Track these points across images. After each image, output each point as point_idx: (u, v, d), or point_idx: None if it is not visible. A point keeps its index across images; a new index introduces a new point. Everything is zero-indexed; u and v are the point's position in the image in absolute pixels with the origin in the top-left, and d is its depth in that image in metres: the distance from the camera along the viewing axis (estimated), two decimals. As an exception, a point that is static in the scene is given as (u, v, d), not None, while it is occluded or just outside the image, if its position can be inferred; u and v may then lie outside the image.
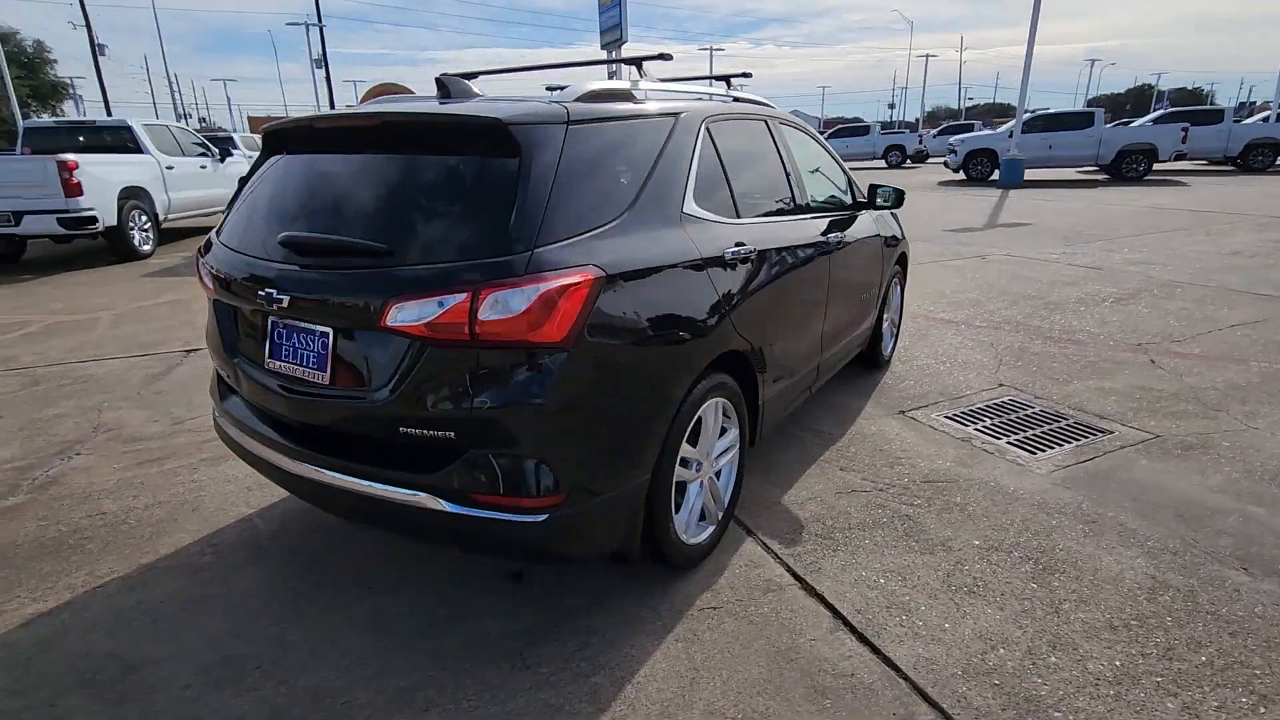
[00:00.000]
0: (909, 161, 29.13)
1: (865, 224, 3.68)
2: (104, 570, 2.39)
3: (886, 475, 3.03)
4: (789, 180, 2.96)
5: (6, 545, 2.55)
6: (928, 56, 65.74)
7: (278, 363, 1.97)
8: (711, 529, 2.41)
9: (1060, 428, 3.51)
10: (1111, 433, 3.42)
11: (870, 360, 4.31)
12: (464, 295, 1.60)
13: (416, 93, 2.02)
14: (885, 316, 4.28)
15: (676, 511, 2.20)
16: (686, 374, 2.03)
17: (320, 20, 38.44)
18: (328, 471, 1.88)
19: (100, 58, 37.66)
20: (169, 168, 9.90)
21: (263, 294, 1.86)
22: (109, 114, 35.51)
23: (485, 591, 2.24)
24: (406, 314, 1.64)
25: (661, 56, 2.46)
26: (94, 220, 8.32)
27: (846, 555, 2.43)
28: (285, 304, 1.83)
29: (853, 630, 2.05)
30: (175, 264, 8.83)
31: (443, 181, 1.79)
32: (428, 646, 2.00)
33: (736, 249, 2.32)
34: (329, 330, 1.83)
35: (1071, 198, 14.30)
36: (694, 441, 2.24)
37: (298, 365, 1.92)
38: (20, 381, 4.37)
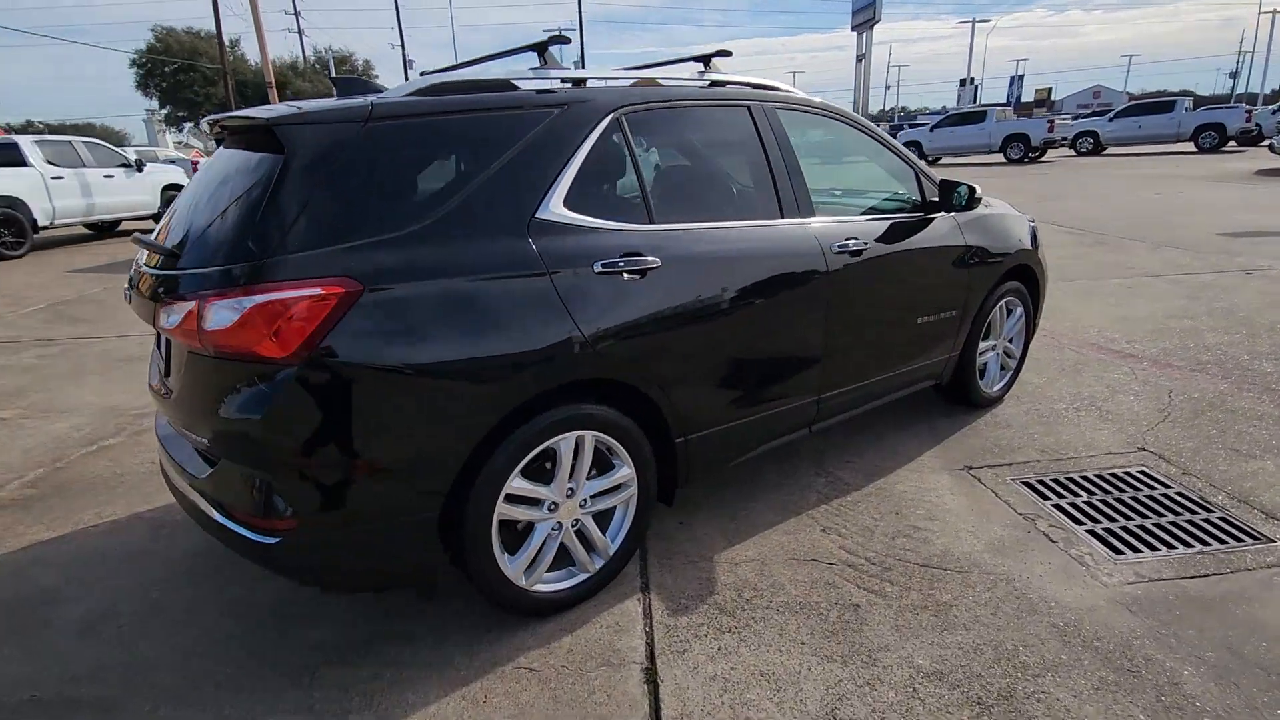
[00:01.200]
0: (1232, 144, 23.20)
1: (935, 231, 2.96)
2: (108, 512, 2.82)
3: (876, 548, 2.41)
4: (774, 178, 2.45)
5: (76, 478, 3.14)
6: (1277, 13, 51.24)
7: (159, 351, 2.14)
8: (582, 578, 2.11)
9: (1190, 522, 2.51)
10: (1271, 542, 2.36)
11: (959, 397, 3.49)
12: (193, 303, 1.56)
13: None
14: (988, 346, 3.43)
15: (513, 553, 1.96)
16: (501, 401, 1.78)
17: (581, 24, 41.62)
18: (165, 459, 2.00)
19: (409, 71, 45.04)
20: (55, 178, 10.55)
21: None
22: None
23: (352, 597, 2.22)
24: (168, 318, 1.65)
25: (556, 39, 2.15)
26: None
27: (732, 640, 1.98)
28: (130, 299, 1.96)
29: (657, 740, 1.66)
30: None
31: (229, 184, 1.76)
32: (252, 642, 2.04)
33: (618, 260, 1.97)
34: None
35: None
36: (548, 477, 1.98)
37: (161, 355, 2.06)
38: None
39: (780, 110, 2.57)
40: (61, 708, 1.82)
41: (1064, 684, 1.78)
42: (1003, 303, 3.42)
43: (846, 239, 2.59)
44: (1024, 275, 3.51)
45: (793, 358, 2.50)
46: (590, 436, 2.01)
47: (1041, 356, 4.24)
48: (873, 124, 2.98)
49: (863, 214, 2.85)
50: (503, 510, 1.88)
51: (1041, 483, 2.83)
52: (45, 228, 10.56)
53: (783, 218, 2.46)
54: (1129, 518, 2.56)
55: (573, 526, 2.07)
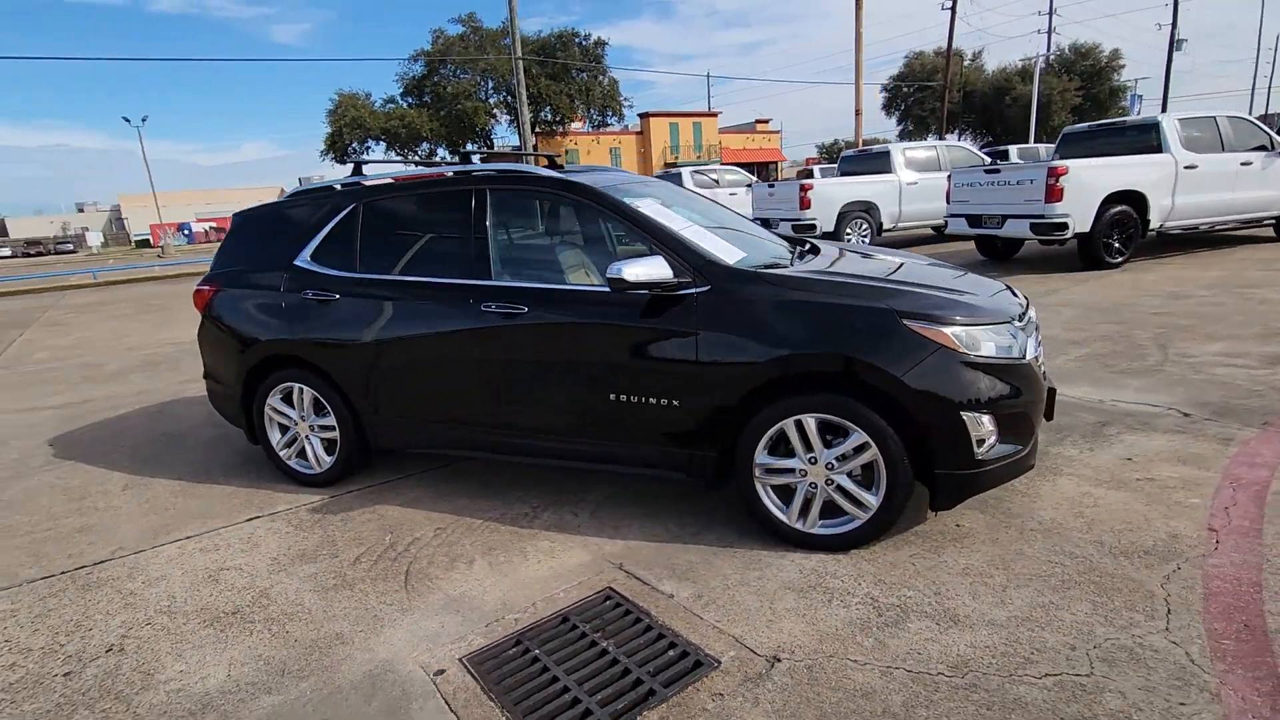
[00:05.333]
0: None
1: (624, 308, 2.80)
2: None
3: (404, 554, 2.97)
4: (461, 244, 3.13)
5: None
6: None
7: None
8: (310, 472, 3.64)
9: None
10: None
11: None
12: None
13: None
14: (785, 465, 2.68)
15: (280, 436, 3.68)
16: (252, 355, 3.54)
17: None
18: None
19: (1175, 52, 37.99)
20: (1189, 167, 8.59)
21: None
22: (1164, 110, 35.82)
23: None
24: None
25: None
26: (1063, 227, 8.23)
27: (290, 528, 3.20)
28: None
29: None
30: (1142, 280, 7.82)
31: None
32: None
33: (312, 291, 3.36)
34: None
35: None
36: (294, 406, 3.61)
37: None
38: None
39: (492, 191, 3.14)
40: (133, 453, 4.60)
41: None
42: (810, 420, 2.62)
43: (501, 302, 2.99)
44: (865, 390, 2.55)
45: (453, 391, 3.19)
46: (308, 391, 3.51)
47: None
48: (621, 201, 2.94)
49: (525, 281, 3.08)
50: (269, 413, 3.65)
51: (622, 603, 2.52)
52: (1158, 230, 8.80)
53: (457, 278, 3.13)
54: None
55: (306, 440, 3.61)
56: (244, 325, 3.63)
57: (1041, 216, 8.42)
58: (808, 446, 2.65)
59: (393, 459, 3.92)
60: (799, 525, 2.73)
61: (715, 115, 42.23)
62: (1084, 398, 4.23)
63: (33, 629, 2.56)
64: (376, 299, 3.29)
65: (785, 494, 2.76)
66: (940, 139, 31.96)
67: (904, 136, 49.77)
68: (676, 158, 40.01)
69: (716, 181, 16.49)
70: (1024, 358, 2.62)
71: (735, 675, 2.09)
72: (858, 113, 18.03)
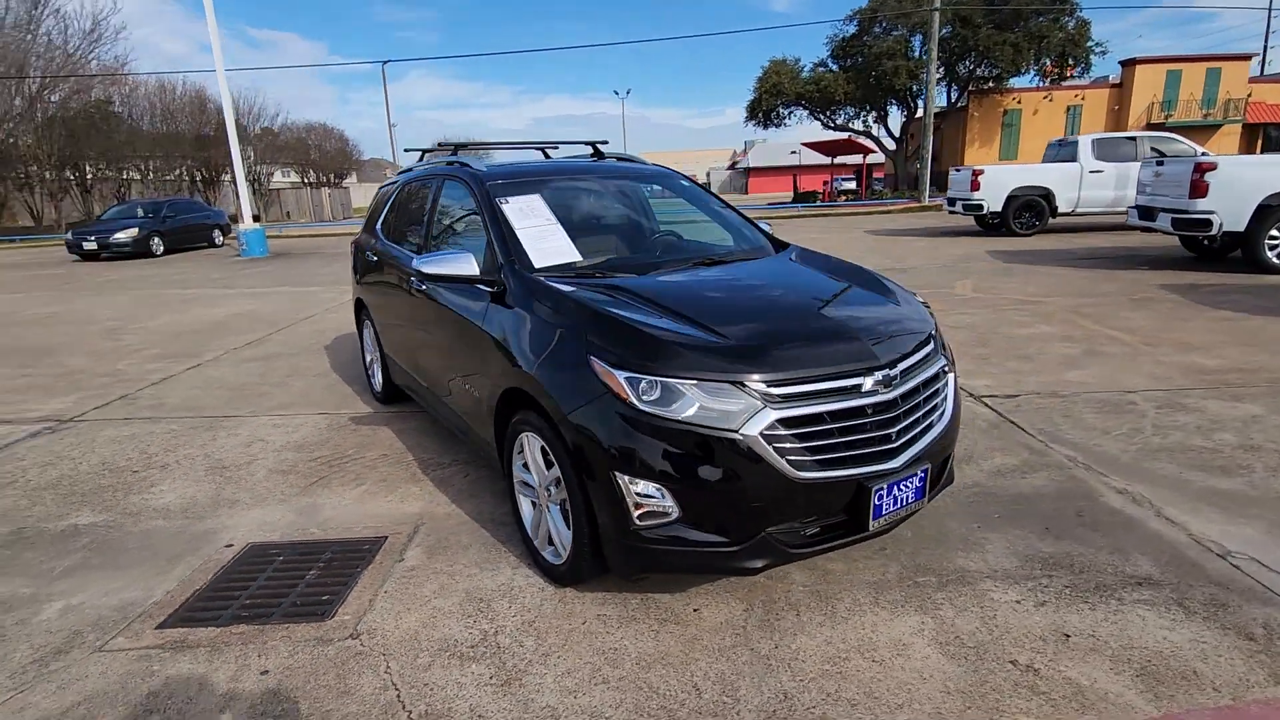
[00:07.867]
0: None
1: (456, 297, 3.06)
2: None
3: (329, 446, 3.77)
4: (423, 224, 3.67)
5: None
6: None
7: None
8: (378, 389, 4.74)
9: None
10: None
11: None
12: (364, 239, 5.25)
13: None
14: (522, 480, 2.68)
15: (368, 365, 4.87)
16: (354, 291, 4.74)
17: None
18: None
19: None
20: None
21: None
22: None
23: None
24: None
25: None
26: None
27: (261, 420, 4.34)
28: None
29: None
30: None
31: None
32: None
33: (364, 251, 4.34)
34: None
35: None
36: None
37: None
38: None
39: (444, 183, 3.58)
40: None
41: (207, 488, 3.55)
42: (532, 440, 2.54)
43: (412, 275, 3.49)
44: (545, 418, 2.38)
45: (406, 348, 3.84)
46: (370, 328, 4.58)
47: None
48: (490, 196, 3.05)
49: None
50: (363, 341, 4.85)
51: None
52: None
53: (418, 253, 3.71)
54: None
55: (374, 364, 4.71)
56: (354, 272, 4.89)
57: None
58: (538, 466, 2.56)
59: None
60: (535, 542, 2.67)
61: (1246, 59, 30.78)
62: (1206, 536, 2.66)
63: (162, 444, 4.19)
64: (385, 264, 4.12)
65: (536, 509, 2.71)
66: None
67: None
68: (1168, 116, 30.82)
69: (1131, 154, 12.86)
70: (735, 430, 2.03)
71: (316, 633, 2.36)
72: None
